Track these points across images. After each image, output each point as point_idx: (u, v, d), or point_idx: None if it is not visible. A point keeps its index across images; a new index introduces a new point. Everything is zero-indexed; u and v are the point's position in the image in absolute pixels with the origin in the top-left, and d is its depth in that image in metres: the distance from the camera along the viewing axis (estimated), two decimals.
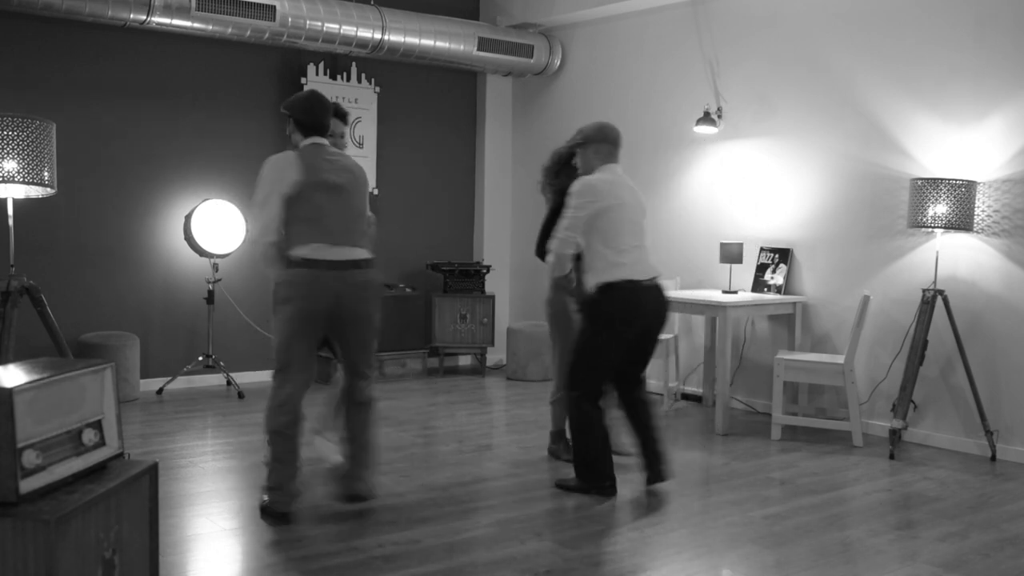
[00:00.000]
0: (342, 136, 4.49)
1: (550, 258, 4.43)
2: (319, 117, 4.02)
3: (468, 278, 7.75)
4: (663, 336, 6.67)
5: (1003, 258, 5.35)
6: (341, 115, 4.47)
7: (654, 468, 4.52)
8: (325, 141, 4.05)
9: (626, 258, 4.31)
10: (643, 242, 4.44)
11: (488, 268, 7.90)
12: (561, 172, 4.91)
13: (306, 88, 7.09)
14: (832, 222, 6.13)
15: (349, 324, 3.94)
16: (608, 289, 4.27)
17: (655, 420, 4.60)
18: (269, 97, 7.11)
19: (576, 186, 4.36)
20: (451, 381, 7.52)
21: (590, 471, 4.42)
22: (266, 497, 3.95)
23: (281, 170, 3.88)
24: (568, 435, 4.98)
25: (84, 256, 6.48)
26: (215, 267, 6.69)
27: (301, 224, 3.86)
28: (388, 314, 7.46)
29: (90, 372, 2.62)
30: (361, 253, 3.95)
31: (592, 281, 4.32)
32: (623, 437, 4.79)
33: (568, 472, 4.65)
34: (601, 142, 4.48)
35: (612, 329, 4.31)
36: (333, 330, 3.97)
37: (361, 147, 7.53)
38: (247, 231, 3.81)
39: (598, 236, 4.29)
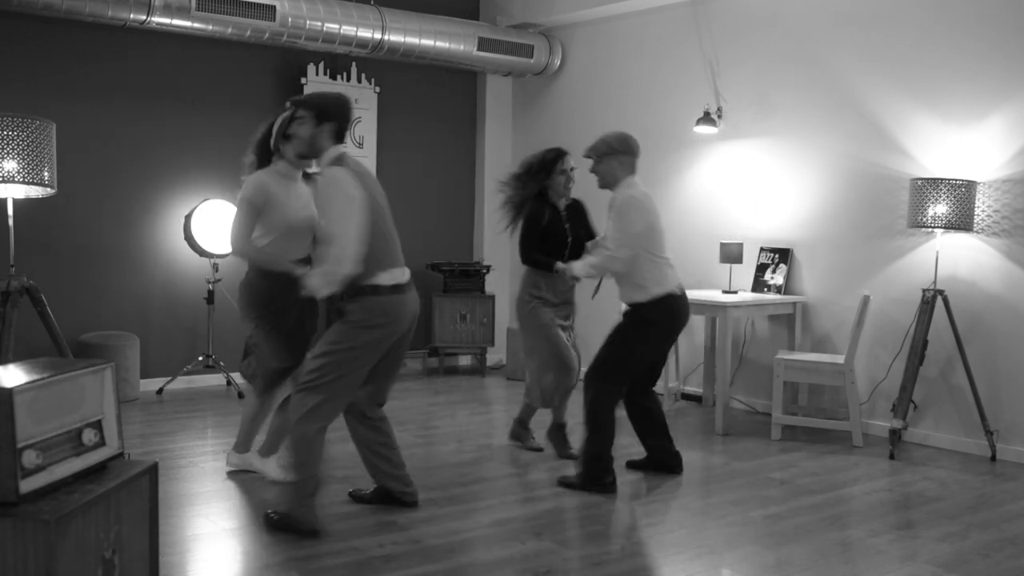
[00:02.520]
0: None
1: (561, 266, 4.80)
2: (349, 122, 3.91)
3: (468, 278, 7.75)
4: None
5: (1003, 258, 5.35)
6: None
7: (674, 461, 4.85)
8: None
9: (668, 270, 4.55)
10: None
11: (488, 268, 7.90)
12: (530, 181, 5.02)
13: (306, 88, 7.13)
14: (832, 222, 6.13)
15: (401, 347, 3.94)
16: (662, 300, 4.48)
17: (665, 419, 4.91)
18: (269, 97, 7.11)
19: (623, 202, 4.44)
20: (451, 381, 7.52)
21: (600, 466, 4.48)
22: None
23: (351, 189, 3.65)
24: (566, 430, 5.19)
25: (84, 256, 6.48)
26: (215, 267, 6.69)
27: (373, 248, 3.71)
28: None
29: (90, 372, 2.62)
30: (408, 271, 3.95)
31: (640, 294, 4.48)
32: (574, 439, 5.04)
33: (566, 468, 4.70)
34: (625, 153, 4.55)
35: (658, 335, 4.59)
36: (387, 354, 3.89)
37: (361, 147, 7.53)
38: (327, 261, 3.59)
39: (645, 250, 4.45)
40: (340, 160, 3.75)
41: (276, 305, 4.18)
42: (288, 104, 4.11)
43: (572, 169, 5.06)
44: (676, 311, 4.56)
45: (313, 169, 4.26)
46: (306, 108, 3.81)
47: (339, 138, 3.81)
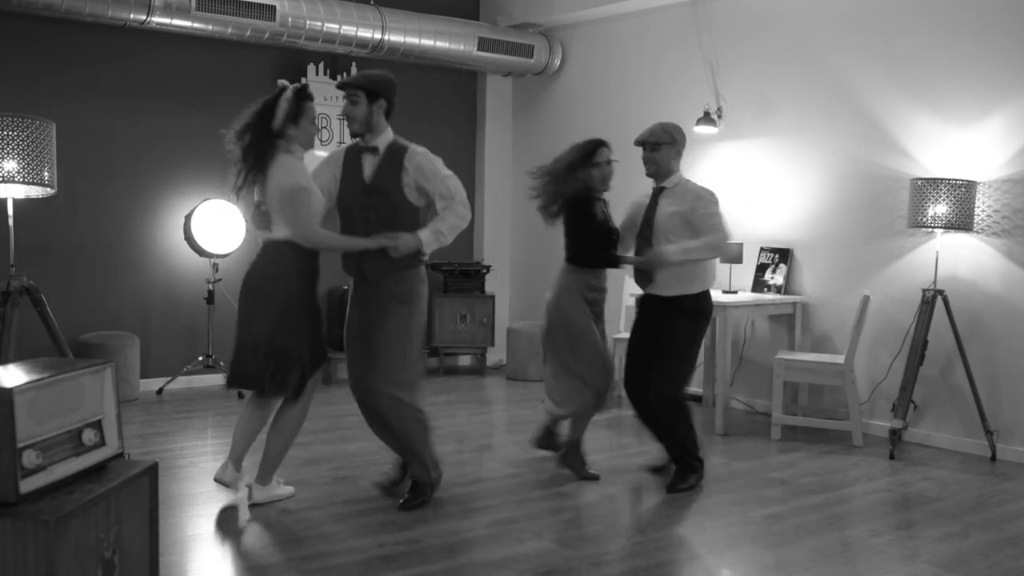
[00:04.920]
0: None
1: (654, 252, 4.47)
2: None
3: (468, 278, 7.75)
4: None
5: (1003, 258, 5.35)
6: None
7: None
8: None
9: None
10: None
11: (488, 268, 7.90)
12: (569, 176, 4.63)
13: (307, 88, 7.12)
14: (832, 222, 6.13)
15: None
16: (706, 293, 4.61)
17: None
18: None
19: (708, 193, 4.53)
20: (451, 381, 7.52)
21: (695, 457, 4.62)
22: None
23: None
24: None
25: (84, 256, 6.48)
26: (215, 267, 6.69)
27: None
28: None
29: (90, 372, 2.62)
30: None
31: (697, 285, 4.55)
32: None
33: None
34: (683, 144, 4.65)
35: (706, 328, 4.71)
36: None
37: None
38: (456, 214, 4.09)
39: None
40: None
41: (314, 295, 4.18)
42: (284, 85, 4.13)
43: (609, 162, 4.68)
44: (711, 305, 4.69)
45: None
46: (358, 88, 4.04)
47: (389, 115, 4.12)
